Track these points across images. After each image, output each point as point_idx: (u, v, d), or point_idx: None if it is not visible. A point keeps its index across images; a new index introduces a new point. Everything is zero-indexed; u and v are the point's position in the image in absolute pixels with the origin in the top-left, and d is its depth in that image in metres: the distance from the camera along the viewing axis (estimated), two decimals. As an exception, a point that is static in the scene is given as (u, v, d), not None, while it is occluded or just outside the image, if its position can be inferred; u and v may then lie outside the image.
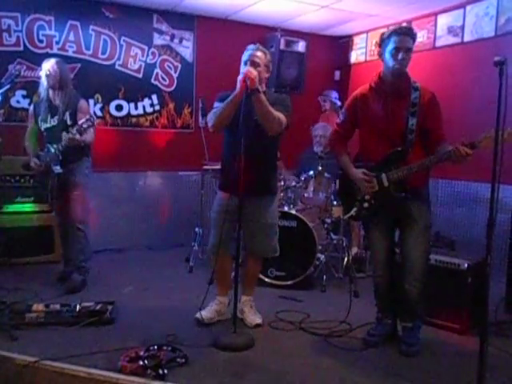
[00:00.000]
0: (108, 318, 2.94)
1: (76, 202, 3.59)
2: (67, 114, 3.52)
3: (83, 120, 3.32)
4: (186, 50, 5.16)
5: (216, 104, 2.90)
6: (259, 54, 2.88)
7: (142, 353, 2.41)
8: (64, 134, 3.34)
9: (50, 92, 3.57)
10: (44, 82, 3.54)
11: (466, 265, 2.96)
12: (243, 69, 2.78)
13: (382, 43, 2.63)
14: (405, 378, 2.43)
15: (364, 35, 5.56)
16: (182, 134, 5.22)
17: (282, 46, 5.08)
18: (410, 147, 2.60)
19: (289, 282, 3.78)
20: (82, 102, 3.62)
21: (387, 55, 2.58)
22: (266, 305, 3.30)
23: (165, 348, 2.49)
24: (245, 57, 2.88)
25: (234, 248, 2.82)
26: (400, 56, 2.53)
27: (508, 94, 1.97)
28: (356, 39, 5.69)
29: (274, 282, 3.80)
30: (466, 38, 4.46)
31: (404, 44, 2.53)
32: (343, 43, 5.84)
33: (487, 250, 2.07)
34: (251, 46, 2.92)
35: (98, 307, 3.00)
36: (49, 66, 3.51)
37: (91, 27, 4.71)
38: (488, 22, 4.27)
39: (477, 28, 4.37)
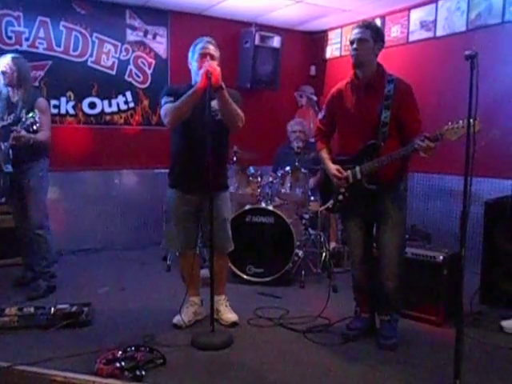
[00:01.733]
0: (84, 319, 2.88)
1: (31, 207, 3.41)
2: (23, 111, 3.33)
3: (26, 117, 3.16)
4: (160, 45, 5.08)
5: (165, 99, 2.77)
6: (212, 47, 2.81)
7: (118, 354, 2.37)
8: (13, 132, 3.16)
9: (9, 89, 3.42)
10: (0, 79, 3.38)
11: (442, 257, 3.00)
12: (194, 62, 2.74)
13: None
14: (383, 370, 2.45)
15: (338, 30, 5.58)
16: (158, 131, 5.14)
17: (256, 42, 5.06)
18: (382, 140, 2.61)
19: (267, 279, 3.77)
20: (41, 100, 3.46)
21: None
22: (244, 302, 3.30)
23: (142, 349, 2.45)
24: (198, 50, 2.78)
25: (199, 246, 2.79)
26: (352, 47, 2.61)
27: (479, 87, 1.99)
28: (331, 34, 5.70)
29: (252, 278, 3.79)
30: (439, 33, 4.52)
31: (356, 36, 2.60)
32: (318, 38, 5.85)
33: (461, 243, 2.11)
34: (202, 39, 2.83)
35: (74, 309, 2.94)
36: (5, 62, 3.37)
37: (62, 23, 4.59)
38: (459, 16, 4.34)
39: (449, 23, 4.43)
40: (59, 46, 4.61)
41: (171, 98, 2.75)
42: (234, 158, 4.03)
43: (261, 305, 3.30)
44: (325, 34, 5.77)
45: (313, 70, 5.91)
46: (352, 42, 2.62)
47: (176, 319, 2.91)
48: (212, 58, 2.77)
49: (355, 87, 2.70)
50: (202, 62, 2.72)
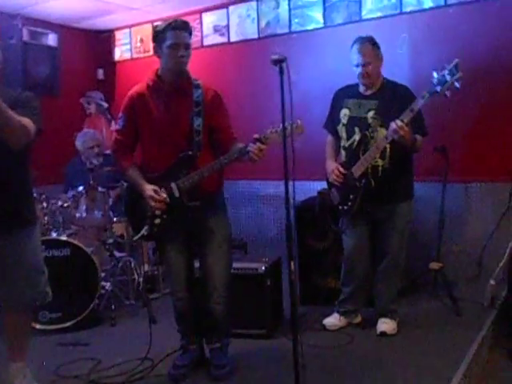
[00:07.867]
0: None
1: None
2: None
3: None
4: None
5: None
6: None
7: None
8: None
9: None
10: None
11: (263, 268, 2.87)
12: None
13: (156, 38, 2.33)
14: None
15: (127, 30, 5.11)
16: None
17: (25, 38, 4.23)
18: (198, 150, 2.34)
19: (68, 324, 3.09)
20: None
21: (165, 51, 2.29)
22: (41, 360, 2.60)
23: None
24: None
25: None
26: (180, 53, 2.28)
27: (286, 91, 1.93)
28: (118, 34, 5.19)
29: (49, 327, 3.07)
30: (233, 38, 4.50)
31: (183, 40, 2.29)
32: (104, 38, 5.26)
33: (289, 256, 2.00)
34: None
35: None
36: None
37: None
38: (251, 24, 4.38)
39: (241, 29, 4.44)
40: None
41: None
42: None
43: (64, 360, 2.64)
44: (112, 34, 5.22)
45: (101, 74, 5.30)
46: (177, 45, 2.27)
47: None
48: None
49: (161, 92, 2.36)
50: None
